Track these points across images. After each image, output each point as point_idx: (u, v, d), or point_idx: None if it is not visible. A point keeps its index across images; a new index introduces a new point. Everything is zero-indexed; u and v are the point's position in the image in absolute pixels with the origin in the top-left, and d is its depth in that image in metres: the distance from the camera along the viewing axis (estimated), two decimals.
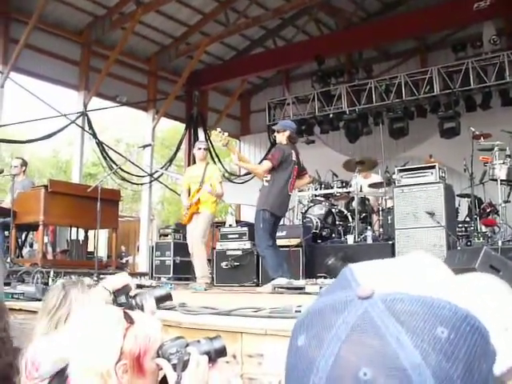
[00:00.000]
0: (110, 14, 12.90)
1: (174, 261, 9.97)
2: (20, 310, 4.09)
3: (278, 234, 6.89)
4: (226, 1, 13.66)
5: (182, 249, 9.45)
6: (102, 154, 13.40)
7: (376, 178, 9.19)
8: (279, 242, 6.88)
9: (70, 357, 1.59)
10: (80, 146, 13.19)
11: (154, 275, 10.02)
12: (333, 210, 9.03)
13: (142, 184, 14.82)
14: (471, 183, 7.79)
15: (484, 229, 7.97)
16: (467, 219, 8.74)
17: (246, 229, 8.77)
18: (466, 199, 8.85)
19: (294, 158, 6.51)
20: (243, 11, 13.90)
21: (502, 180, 7.24)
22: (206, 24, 14.07)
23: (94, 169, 25.51)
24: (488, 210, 8.42)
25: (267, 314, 3.20)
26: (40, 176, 27.04)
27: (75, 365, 1.55)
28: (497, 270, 4.72)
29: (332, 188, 9.25)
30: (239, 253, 8.66)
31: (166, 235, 10.45)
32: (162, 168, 15.62)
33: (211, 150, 13.80)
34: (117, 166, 11.66)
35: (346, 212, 9.10)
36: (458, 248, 6.93)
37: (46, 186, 7.86)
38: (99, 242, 8.36)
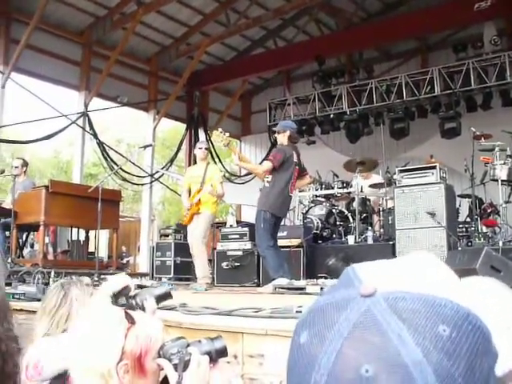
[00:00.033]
0: (111, 15, 12.92)
1: (174, 261, 9.97)
2: (21, 310, 4.10)
3: (279, 234, 6.89)
4: (227, 1, 13.67)
5: (182, 249, 9.45)
6: (103, 154, 13.41)
7: (376, 178, 9.19)
8: (280, 243, 6.87)
9: (71, 359, 1.59)
10: (81, 146, 13.20)
11: (154, 275, 10.02)
12: (333, 210, 9.03)
13: (142, 184, 14.82)
14: (472, 184, 7.79)
15: (485, 229, 7.97)
16: (468, 220, 8.75)
17: (246, 229, 8.77)
18: (467, 199, 8.85)
19: (295, 159, 6.50)
20: (244, 12, 13.91)
21: (502, 180, 7.24)
22: (207, 24, 14.08)
23: (95, 169, 25.51)
24: (489, 211, 8.42)
25: (268, 314, 3.20)
26: (41, 176, 27.06)
27: (76, 365, 1.55)
28: (498, 270, 4.72)
29: (333, 188, 9.24)
30: (240, 253, 8.65)
31: (167, 235, 10.45)
32: (162, 168, 15.64)
33: (212, 150, 13.81)
34: (117, 166, 11.67)
35: (346, 212, 9.10)
36: (459, 248, 6.93)
37: (46, 187, 7.86)
38: (100, 242, 8.36)
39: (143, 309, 1.84)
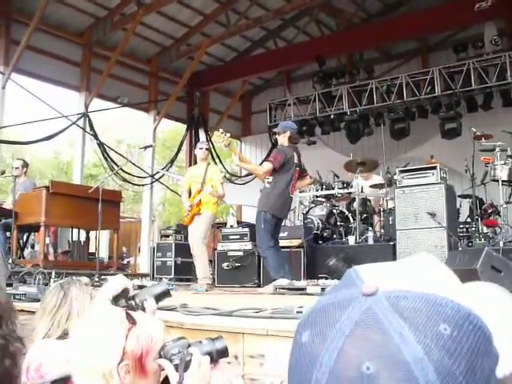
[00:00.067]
0: (111, 15, 12.92)
1: (175, 262, 9.97)
2: (22, 310, 4.09)
3: (280, 234, 6.89)
4: (227, 2, 13.68)
5: (183, 250, 9.45)
6: (103, 155, 13.42)
7: (377, 178, 9.19)
8: (280, 243, 6.87)
9: (74, 363, 1.59)
10: (81, 147, 13.20)
11: (155, 276, 10.01)
12: (334, 210, 9.03)
13: (143, 185, 14.83)
14: (472, 184, 7.80)
15: (485, 229, 7.96)
16: (468, 220, 8.75)
17: (247, 230, 8.77)
18: (468, 200, 8.85)
19: (295, 160, 6.50)
20: (244, 12, 13.91)
21: (503, 181, 7.24)
22: (207, 25, 14.09)
23: (95, 170, 25.53)
24: (489, 211, 8.42)
25: (269, 314, 3.20)
26: (41, 177, 27.09)
27: (77, 365, 1.56)
28: (498, 270, 4.72)
29: (333, 189, 9.24)
30: (240, 253, 8.66)
31: (168, 236, 10.45)
32: (163, 169, 15.64)
33: (212, 150, 13.81)
34: (118, 167, 11.68)
35: (347, 213, 9.10)
36: (460, 249, 6.93)
37: (47, 187, 7.87)
38: (100, 242, 8.37)
39: (143, 309, 1.84)
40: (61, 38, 12.91)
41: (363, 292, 0.57)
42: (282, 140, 6.61)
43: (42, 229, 7.88)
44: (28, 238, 9.31)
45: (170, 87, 15.09)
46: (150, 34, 14.15)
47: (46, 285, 5.29)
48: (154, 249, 10.53)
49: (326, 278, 7.02)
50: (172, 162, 15.65)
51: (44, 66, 12.58)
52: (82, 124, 12.89)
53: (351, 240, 8.15)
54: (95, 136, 13.21)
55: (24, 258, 8.78)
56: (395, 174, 7.59)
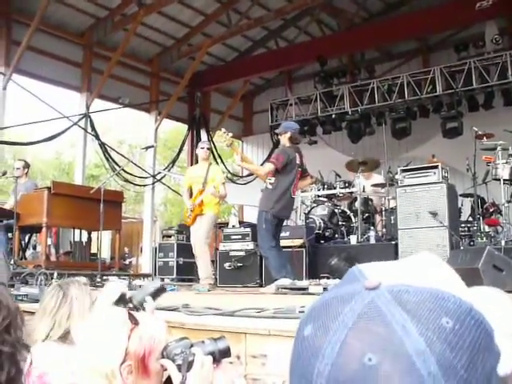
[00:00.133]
0: (112, 16, 12.92)
1: (177, 262, 9.98)
2: (24, 311, 4.10)
3: (281, 234, 6.89)
4: (228, 2, 13.67)
5: (185, 250, 9.47)
6: (105, 155, 13.42)
7: (378, 178, 9.19)
8: (282, 243, 6.88)
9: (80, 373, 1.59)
10: (83, 147, 13.20)
11: (157, 276, 10.02)
12: (336, 210, 9.03)
13: (144, 185, 14.82)
14: (474, 183, 7.80)
15: (487, 228, 7.96)
16: (470, 219, 8.74)
17: (248, 229, 8.78)
18: (469, 199, 8.84)
19: (297, 161, 6.51)
20: (245, 12, 13.91)
21: (504, 180, 7.23)
22: (208, 25, 14.08)
23: (97, 170, 25.52)
24: (491, 210, 8.41)
25: (271, 314, 3.20)
26: (43, 178, 27.11)
27: (80, 366, 1.56)
28: (500, 269, 4.73)
29: (335, 188, 9.24)
30: (242, 253, 8.66)
31: (169, 236, 10.46)
32: (164, 169, 15.64)
33: (214, 150, 13.81)
34: (119, 167, 11.67)
35: (348, 212, 9.10)
36: (461, 248, 6.94)
37: (48, 188, 7.87)
38: (102, 243, 8.38)
39: (143, 310, 1.84)
40: (61, 39, 12.91)
41: (366, 286, 0.58)
42: (284, 140, 6.61)
43: (44, 230, 7.89)
44: (30, 238, 9.32)
45: (171, 87, 15.09)
46: (151, 35, 14.15)
47: (48, 286, 5.29)
48: (155, 249, 10.54)
49: (328, 278, 7.03)
50: (173, 162, 15.64)
51: (45, 67, 12.58)
52: (83, 125, 12.89)
53: (353, 239, 8.15)
54: (96, 136, 13.21)
55: (26, 258, 8.79)
56: (397, 173, 7.60)
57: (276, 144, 10.59)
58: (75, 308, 2.42)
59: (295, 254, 7.75)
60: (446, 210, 6.79)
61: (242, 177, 15.93)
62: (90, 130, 13.04)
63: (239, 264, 8.57)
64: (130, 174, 14.24)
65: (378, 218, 9.04)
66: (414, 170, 7.33)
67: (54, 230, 10.36)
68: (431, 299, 0.56)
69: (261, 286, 7.80)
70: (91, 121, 13.09)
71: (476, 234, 7.68)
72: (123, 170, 11.81)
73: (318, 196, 9.36)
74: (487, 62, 11.23)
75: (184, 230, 9.84)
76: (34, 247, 10.84)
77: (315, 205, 9.15)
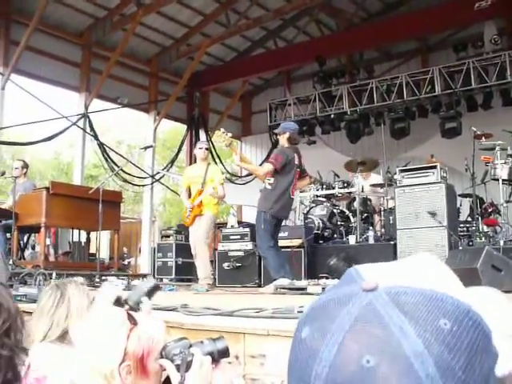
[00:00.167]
0: (111, 16, 12.91)
1: (176, 262, 9.98)
2: (22, 312, 4.10)
3: (280, 234, 6.90)
4: (227, 2, 13.67)
5: (183, 250, 9.47)
6: (104, 155, 13.41)
7: (376, 178, 9.20)
8: (281, 243, 6.88)
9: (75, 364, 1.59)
10: (81, 147, 13.19)
11: (156, 276, 10.02)
12: (334, 210, 9.03)
13: (143, 185, 14.82)
14: (473, 183, 7.80)
15: (486, 229, 7.97)
16: (469, 219, 8.76)
17: (247, 230, 8.78)
18: (468, 199, 8.86)
19: (296, 161, 6.50)
20: (244, 12, 13.91)
21: (503, 180, 7.24)
22: (207, 25, 14.08)
23: (96, 170, 25.52)
24: (490, 210, 8.42)
25: (269, 314, 3.20)
26: (41, 178, 27.10)
27: (79, 366, 1.56)
28: (498, 269, 4.73)
29: (334, 188, 9.24)
30: (241, 254, 8.67)
31: (168, 236, 10.46)
32: (163, 169, 15.64)
33: (212, 150, 13.81)
34: (118, 167, 11.67)
35: (347, 212, 9.11)
36: (460, 248, 6.94)
37: (47, 188, 7.86)
38: (101, 243, 8.38)
39: (139, 310, 1.84)
40: (60, 39, 12.90)
41: (363, 288, 0.58)
42: (283, 141, 6.62)
43: (43, 230, 7.88)
44: (28, 239, 9.32)
45: (169, 87, 15.08)
46: (150, 35, 14.14)
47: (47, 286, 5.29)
48: (154, 249, 10.55)
49: (327, 278, 7.03)
50: (172, 162, 15.64)
51: (43, 67, 12.57)
52: (82, 125, 12.88)
53: (352, 239, 8.15)
54: (95, 137, 13.20)
55: (24, 259, 8.79)
56: (395, 173, 7.60)
57: (275, 144, 10.58)
58: (73, 308, 2.42)
59: (294, 254, 7.76)
60: (445, 210, 6.80)
61: (240, 177, 15.93)
62: (88, 130, 13.03)
63: (238, 264, 8.58)
64: (129, 174, 14.23)
65: (376, 218, 9.05)
66: (412, 170, 7.33)
67: (53, 230, 10.36)
68: (429, 301, 0.56)
69: (259, 286, 7.80)
70: (90, 121, 13.08)
71: (475, 233, 7.69)
72: (122, 170, 11.80)
73: (317, 196, 9.36)
74: (486, 62, 11.24)
75: (183, 230, 9.84)
76: (33, 247, 10.84)
77: (314, 205, 9.16)
